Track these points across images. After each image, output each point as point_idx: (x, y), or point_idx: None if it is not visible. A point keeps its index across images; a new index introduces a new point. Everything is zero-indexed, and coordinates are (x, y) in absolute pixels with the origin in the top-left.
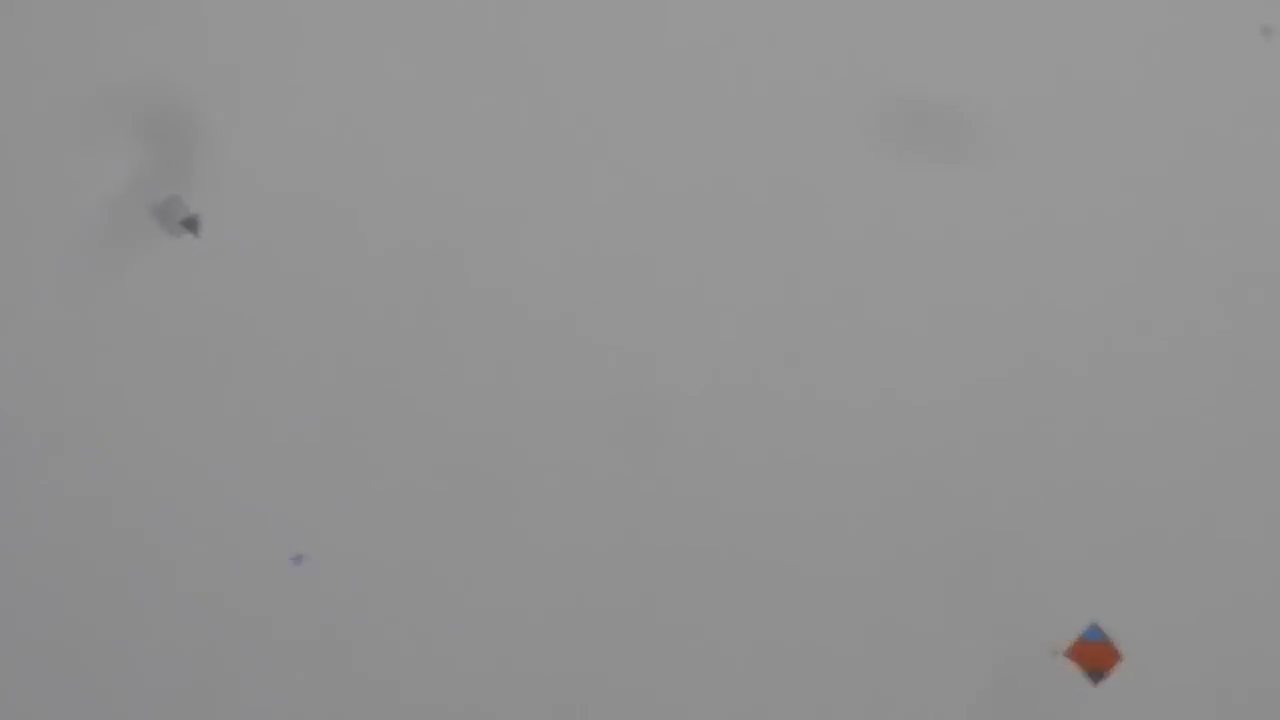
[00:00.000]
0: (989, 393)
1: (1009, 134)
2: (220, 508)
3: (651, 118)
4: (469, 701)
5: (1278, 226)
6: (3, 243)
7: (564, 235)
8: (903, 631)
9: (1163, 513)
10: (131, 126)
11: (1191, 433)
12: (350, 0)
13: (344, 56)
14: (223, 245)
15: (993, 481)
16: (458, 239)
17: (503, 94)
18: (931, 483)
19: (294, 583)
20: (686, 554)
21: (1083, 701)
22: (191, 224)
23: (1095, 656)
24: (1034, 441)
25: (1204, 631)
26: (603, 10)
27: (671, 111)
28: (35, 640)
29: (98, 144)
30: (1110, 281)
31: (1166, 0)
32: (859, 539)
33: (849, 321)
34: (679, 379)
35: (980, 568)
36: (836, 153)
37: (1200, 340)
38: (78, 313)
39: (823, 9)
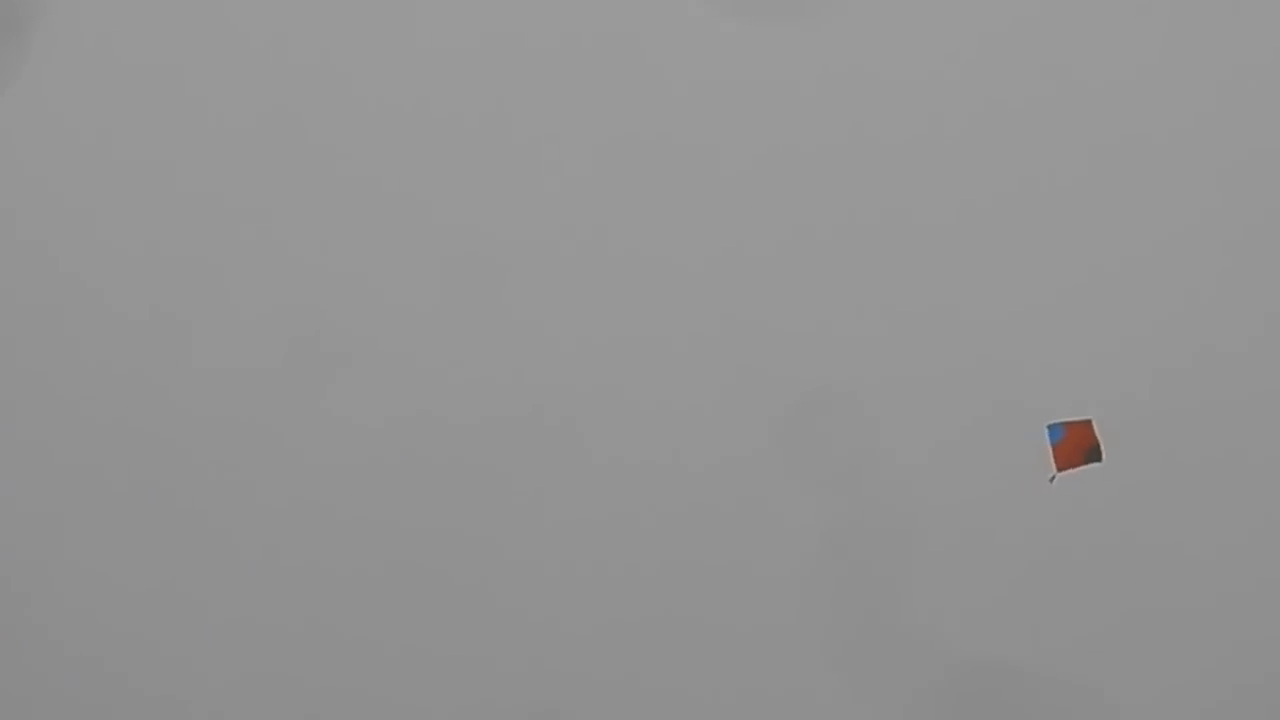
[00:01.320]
0: (831, 242)
1: None
2: None
3: None
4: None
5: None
6: None
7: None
8: (742, 468)
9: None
10: None
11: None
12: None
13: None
14: None
15: (833, 334)
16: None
17: None
18: (770, 335)
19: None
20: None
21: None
22: None
23: (1076, 444)
24: (884, 298)
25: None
26: None
27: None
28: None
29: None
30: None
31: None
32: (693, 369)
33: (694, 176)
34: (521, 236)
35: (819, 418)
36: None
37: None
38: None
39: None
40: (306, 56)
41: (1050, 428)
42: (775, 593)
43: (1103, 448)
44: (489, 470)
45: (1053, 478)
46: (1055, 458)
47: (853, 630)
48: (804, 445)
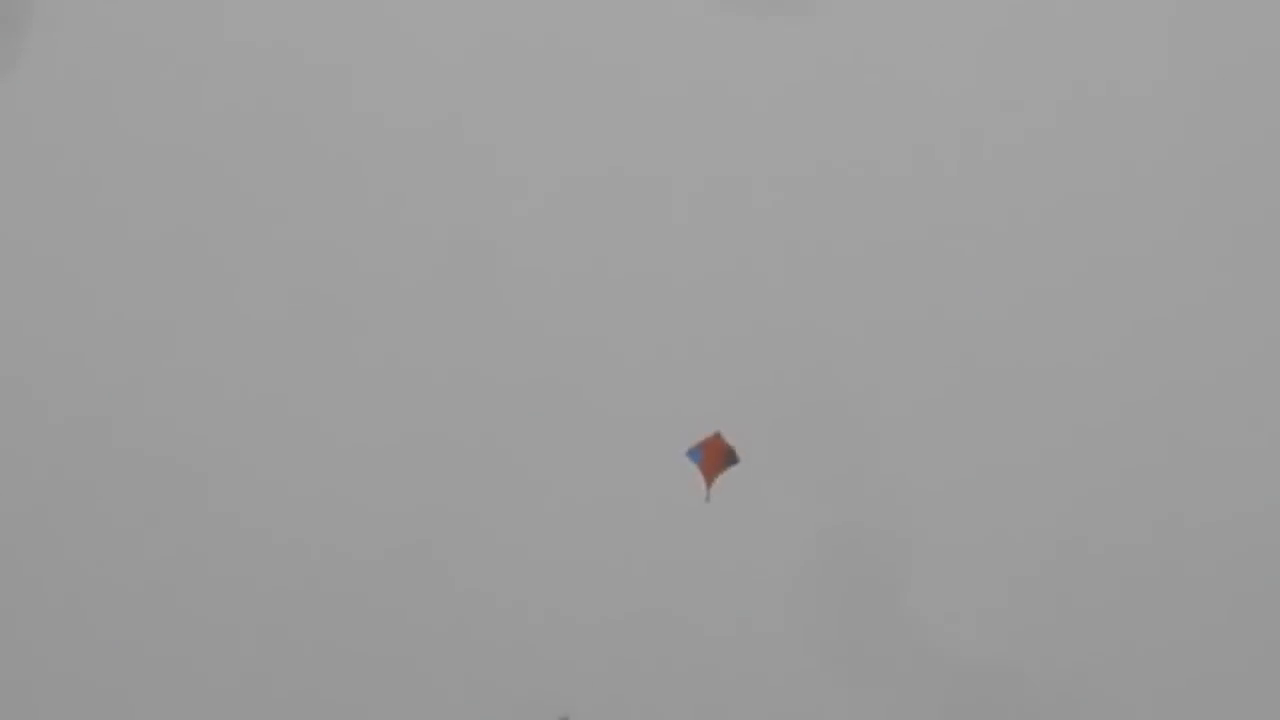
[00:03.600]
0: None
1: None
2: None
3: None
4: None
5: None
6: None
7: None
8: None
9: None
10: None
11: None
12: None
13: None
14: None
15: (834, 343)
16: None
17: None
18: (771, 344)
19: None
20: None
21: None
22: None
23: (715, 457)
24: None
25: None
26: None
27: None
28: None
29: None
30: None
31: None
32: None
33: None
34: (517, 240)
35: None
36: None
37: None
38: None
39: None
40: (312, 60)
41: (689, 453)
42: (771, 595)
43: (736, 449)
44: (486, 469)
45: (708, 497)
46: (705, 475)
47: (849, 633)
48: (803, 451)
